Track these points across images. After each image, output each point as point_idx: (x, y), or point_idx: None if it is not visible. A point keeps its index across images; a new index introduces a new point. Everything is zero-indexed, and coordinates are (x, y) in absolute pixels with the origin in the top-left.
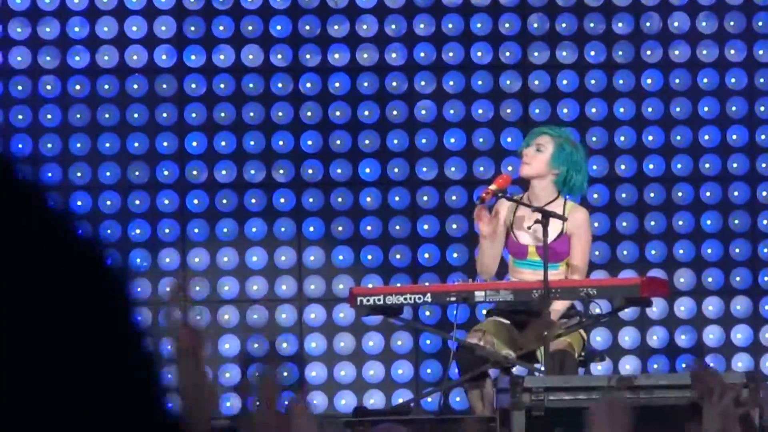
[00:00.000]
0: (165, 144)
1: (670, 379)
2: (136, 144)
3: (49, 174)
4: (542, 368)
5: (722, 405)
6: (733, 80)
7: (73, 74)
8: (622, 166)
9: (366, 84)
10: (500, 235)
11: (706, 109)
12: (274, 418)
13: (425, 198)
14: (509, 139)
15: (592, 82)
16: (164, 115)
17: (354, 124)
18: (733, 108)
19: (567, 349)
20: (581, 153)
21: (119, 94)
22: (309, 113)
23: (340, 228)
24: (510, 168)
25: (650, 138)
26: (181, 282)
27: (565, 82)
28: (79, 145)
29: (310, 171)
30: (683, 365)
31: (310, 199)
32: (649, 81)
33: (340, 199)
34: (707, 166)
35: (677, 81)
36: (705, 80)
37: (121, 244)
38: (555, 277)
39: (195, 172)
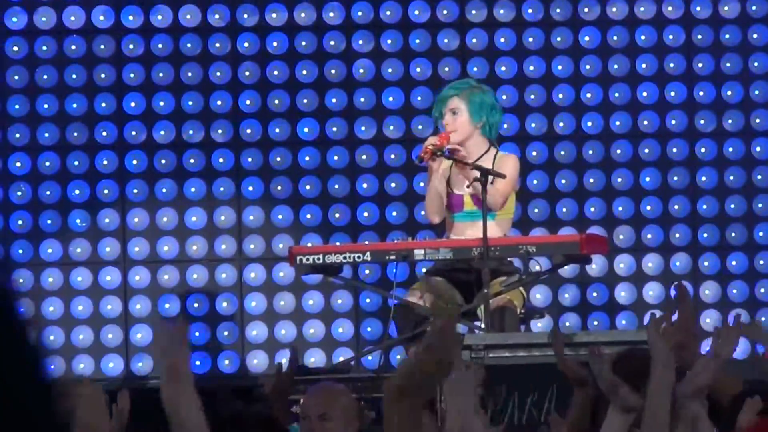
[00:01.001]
0: (103, 105)
1: (609, 336)
2: (75, 105)
3: None
4: (482, 326)
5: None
6: (671, 37)
7: (11, 35)
8: (561, 124)
9: (304, 43)
10: (444, 178)
11: (644, 66)
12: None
13: (364, 157)
14: None
15: (530, 39)
16: (102, 75)
17: (292, 83)
18: (671, 65)
19: (508, 305)
20: (488, 92)
21: (57, 55)
22: (247, 73)
23: (279, 187)
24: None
25: (588, 95)
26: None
27: (502, 39)
28: (17, 106)
29: (249, 131)
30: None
31: (249, 159)
32: (587, 38)
33: (278, 159)
34: (645, 123)
35: (615, 38)
36: (643, 37)
37: (60, 205)
38: (494, 227)
39: (134, 133)
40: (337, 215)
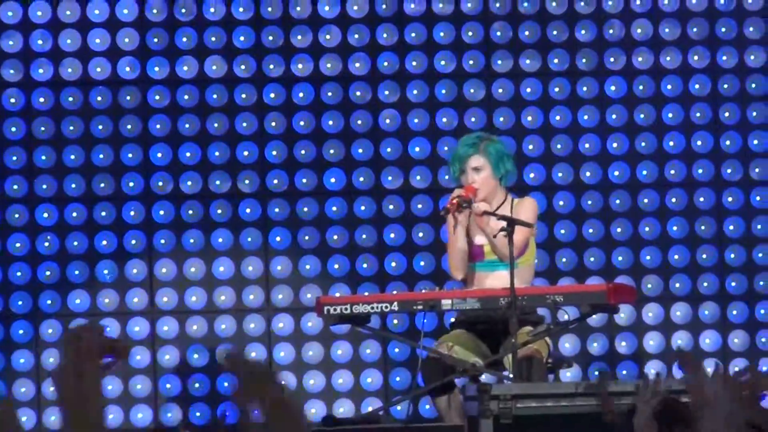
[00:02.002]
0: (130, 155)
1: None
2: (101, 155)
3: (15, 186)
4: (510, 375)
5: (725, 407)
6: (697, 86)
7: (37, 87)
8: (588, 174)
9: (330, 93)
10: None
11: (670, 115)
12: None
13: (391, 206)
14: None
15: (556, 89)
16: (128, 126)
17: (318, 133)
18: (698, 114)
19: (535, 355)
20: (499, 141)
21: (83, 106)
22: (273, 123)
23: (306, 237)
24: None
25: (615, 145)
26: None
27: (528, 90)
28: (44, 157)
29: (276, 181)
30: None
31: (276, 209)
32: (612, 88)
33: (306, 209)
34: (672, 172)
35: (641, 88)
36: (669, 86)
37: (88, 256)
38: (516, 274)
39: (160, 183)
40: (364, 265)
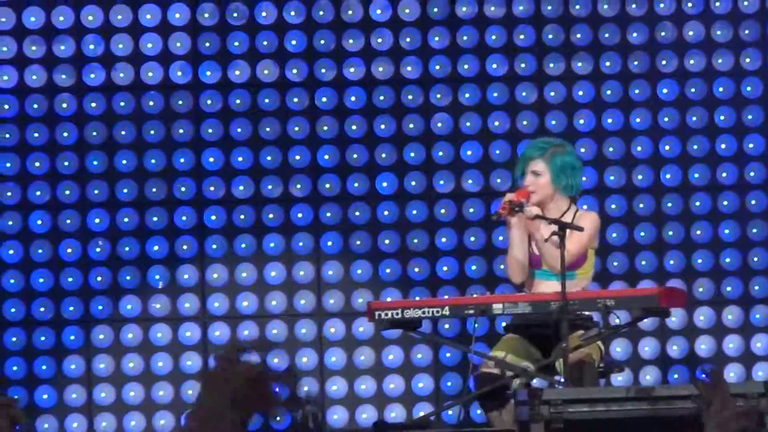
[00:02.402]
0: (182, 161)
1: (688, 390)
2: (153, 161)
3: (66, 192)
4: (561, 380)
5: (722, 416)
6: (749, 89)
7: (89, 91)
8: (640, 177)
9: (382, 98)
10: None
11: (722, 117)
12: None
13: (443, 211)
14: None
15: (608, 92)
16: (180, 131)
17: (370, 137)
18: (749, 117)
19: (586, 360)
20: (569, 152)
21: (135, 111)
22: (325, 127)
23: (358, 242)
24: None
25: (667, 147)
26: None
27: (581, 93)
28: (96, 162)
29: (327, 185)
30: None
31: (328, 214)
32: (665, 90)
33: (357, 213)
34: (724, 175)
35: (693, 90)
36: (721, 89)
37: (140, 261)
38: (572, 286)
39: (212, 188)
40: (416, 269)
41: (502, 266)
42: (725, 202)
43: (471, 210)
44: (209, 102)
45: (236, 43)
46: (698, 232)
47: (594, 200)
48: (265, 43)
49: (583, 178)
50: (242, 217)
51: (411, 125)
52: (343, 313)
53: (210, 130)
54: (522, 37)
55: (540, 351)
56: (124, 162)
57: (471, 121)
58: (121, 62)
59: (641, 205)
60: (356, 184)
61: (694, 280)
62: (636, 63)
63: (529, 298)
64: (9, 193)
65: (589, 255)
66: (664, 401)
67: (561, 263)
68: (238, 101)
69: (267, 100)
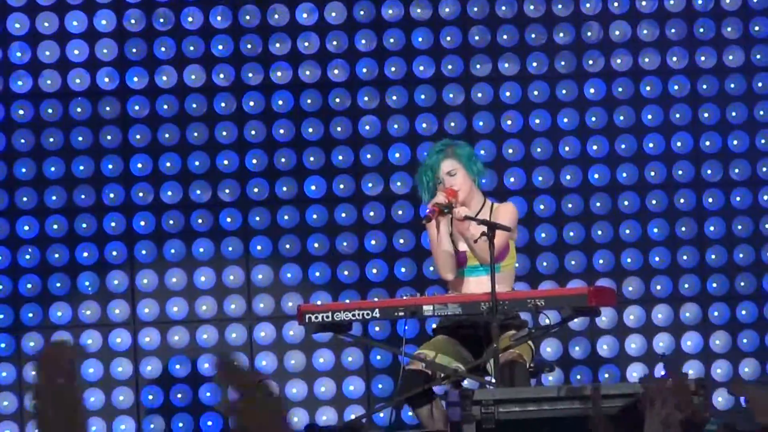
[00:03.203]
0: (110, 167)
1: (621, 389)
2: (81, 167)
3: None
4: (492, 380)
5: (664, 411)
6: (676, 87)
7: (16, 99)
8: (568, 177)
9: (309, 101)
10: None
11: (649, 116)
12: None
13: (372, 213)
14: None
15: (535, 93)
16: (108, 137)
17: (298, 141)
18: (677, 115)
19: (517, 360)
20: (466, 145)
21: (63, 117)
22: (253, 132)
23: (287, 246)
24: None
25: (595, 147)
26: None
27: (507, 93)
28: (24, 170)
29: (256, 190)
30: (606, 375)
31: (257, 218)
32: (592, 90)
33: (286, 217)
34: (653, 173)
35: (620, 90)
36: (648, 88)
37: (69, 268)
38: (500, 280)
39: (141, 194)
40: (346, 272)
41: (431, 268)
42: (653, 201)
43: (400, 212)
44: (137, 108)
45: (163, 49)
46: (627, 231)
47: (523, 200)
48: (191, 48)
49: (511, 179)
50: (171, 222)
51: (339, 128)
52: (273, 316)
53: (138, 136)
54: (449, 38)
55: (470, 352)
56: (53, 169)
57: (399, 124)
58: (48, 69)
59: (569, 205)
60: (284, 188)
61: (623, 279)
62: (563, 63)
63: (459, 299)
64: None
65: (510, 246)
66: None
67: (491, 264)
68: (165, 107)
69: (194, 105)
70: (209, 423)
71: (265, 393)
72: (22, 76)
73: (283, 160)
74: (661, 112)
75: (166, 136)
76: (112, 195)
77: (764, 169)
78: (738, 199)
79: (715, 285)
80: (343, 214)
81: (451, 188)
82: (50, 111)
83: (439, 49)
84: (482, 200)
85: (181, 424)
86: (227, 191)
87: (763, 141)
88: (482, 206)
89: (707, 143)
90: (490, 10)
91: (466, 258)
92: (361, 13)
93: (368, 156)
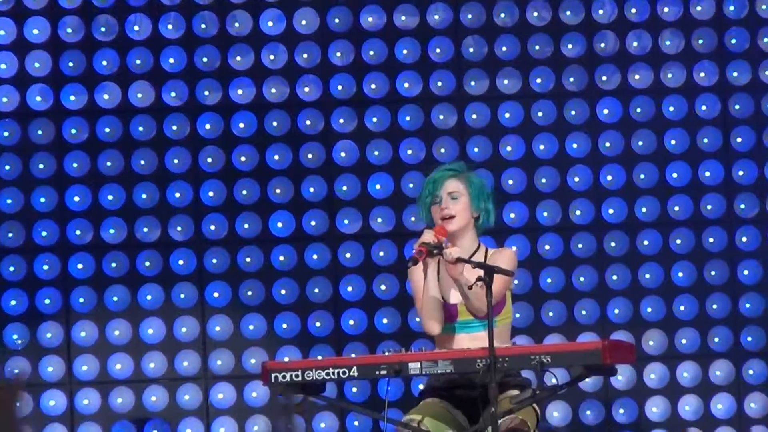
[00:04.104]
0: (42, 200)
1: None
2: (9, 200)
3: None
4: None
5: None
6: (704, 107)
7: None
8: (577, 212)
9: (275, 123)
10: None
11: (673, 142)
12: None
13: (348, 255)
14: None
15: (539, 113)
16: (41, 166)
17: (262, 169)
18: (705, 140)
19: (520, 427)
20: (481, 177)
21: None
22: (209, 159)
23: (249, 292)
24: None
25: (609, 177)
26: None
27: (507, 115)
28: None
29: (212, 227)
30: None
31: (213, 260)
32: (606, 111)
33: (248, 259)
34: (676, 208)
35: (638, 110)
36: (671, 108)
37: None
38: (495, 336)
39: (78, 232)
40: (317, 324)
41: (417, 319)
42: (678, 240)
43: (381, 253)
44: (73, 131)
45: (104, 63)
46: (647, 276)
47: (524, 239)
48: (138, 62)
49: (512, 215)
50: (113, 265)
51: (309, 155)
52: (232, 375)
53: (75, 164)
54: (438, 50)
55: (465, 416)
56: None
57: (380, 150)
58: None
59: (579, 245)
60: (246, 225)
61: (643, 332)
62: (571, 79)
63: (451, 355)
64: None
65: (507, 298)
66: None
67: (488, 314)
68: (107, 129)
69: (141, 128)
70: None
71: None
72: None
73: (244, 192)
74: (687, 136)
75: (108, 164)
76: (44, 233)
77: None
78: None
79: (750, 339)
80: (315, 256)
81: (441, 226)
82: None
83: (427, 62)
84: (477, 244)
85: None
86: (179, 229)
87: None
88: (476, 250)
89: (740, 173)
90: (487, 17)
91: (456, 311)
92: (336, 21)
93: (344, 188)
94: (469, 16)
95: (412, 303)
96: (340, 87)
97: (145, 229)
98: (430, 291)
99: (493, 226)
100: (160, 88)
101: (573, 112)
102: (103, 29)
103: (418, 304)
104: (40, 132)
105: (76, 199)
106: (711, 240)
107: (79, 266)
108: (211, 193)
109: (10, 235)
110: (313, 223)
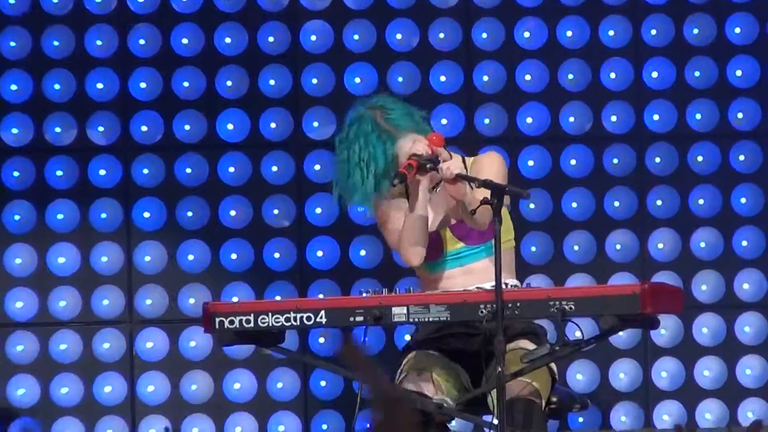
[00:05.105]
0: None
1: None
2: None
3: None
4: (495, 422)
5: None
6: None
7: None
8: (613, 118)
9: None
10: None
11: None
12: None
13: (317, 166)
14: None
15: None
16: None
17: (210, 56)
18: None
19: (531, 398)
20: (392, 100)
21: None
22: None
23: (189, 213)
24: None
25: (654, 75)
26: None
27: None
28: None
29: (144, 128)
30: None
31: (144, 170)
32: None
33: (188, 170)
34: (740, 116)
35: None
36: None
37: None
38: (487, 264)
39: None
40: (276, 254)
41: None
42: (741, 157)
43: None
44: None
45: None
46: (700, 202)
47: (543, 150)
48: None
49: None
50: (16, 174)
51: (270, 39)
52: (164, 319)
53: None
54: None
55: (467, 376)
56: None
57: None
58: None
59: (615, 161)
60: (187, 126)
61: (694, 274)
62: None
63: (447, 299)
64: None
65: (504, 215)
66: None
67: (496, 247)
68: None
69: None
70: None
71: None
72: None
73: (186, 84)
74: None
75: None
76: None
77: None
78: None
79: None
80: (274, 168)
81: (438, 135)
82: None
83: None
84: (449, 154)
85: None
86: (101, 129)
87: None
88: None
89: None
90: None
91: (441, 241)
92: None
93: (313, 80)
94: None
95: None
96: None
97: (58, 129)
98: (417, 210)
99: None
100: None
101: None
102: None
103: (394, 237)
104: None
105: None
106: None
107: None
108: (143, 84)
109: None
110: (273, 125)
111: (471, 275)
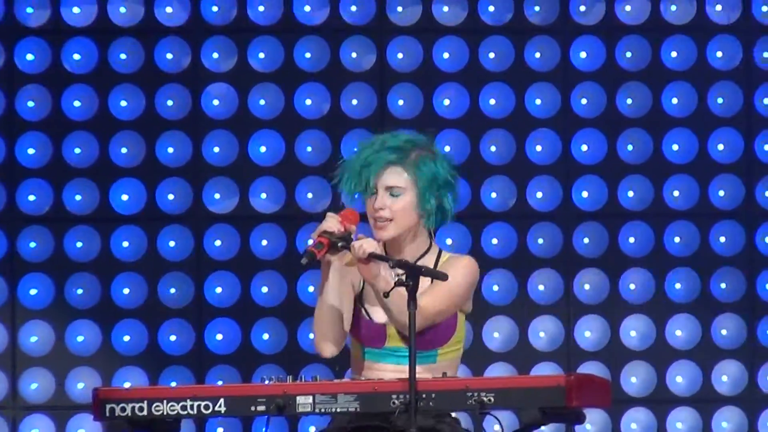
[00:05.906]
0: None
1: None
2: None
3: None
4: None
5: None
6: None
7: None
8: (539, 194)
9: None
10: (347, 292)
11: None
12: None
13: (217, 242)
14: None
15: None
16: None
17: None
18: None
19: None
20: (441, 157)
21: None
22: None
23: (79, 290)
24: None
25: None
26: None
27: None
28: None
29: (32, 197)
30: None
31: (31, 243)
32: None
33: (79, 243)
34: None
35: None
36: None
37: None
38: (436, 370)
39: None
40: (172, 337)
41: (311, 335)
42: (677, 239)
43: (263, 242)
44: None
45: None
46: (631, 287)
47: (466, 229)
48: None
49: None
50: None
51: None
52: (51, 405)
53: None
54: None
55: None
56: None
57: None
58: None
59: (540, 240)
60: (78, 197)
61: (623, 364)
62: None
63: (356, 388)
64: None
65: (459, 323)
66: None
67: (410, 331)
68: None
69: None
70: None
71: None
72: None
73: (77, 150)
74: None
75: None
76: None
77: None
78: None
79: None
80: (171, 243)
81: (351, 210)
82: None
83: None
84: (428, 244)
85: None
86: None
87: None
88: (425, 253)
89: None
90: None
91: (384, 334)
92: None
93: (215, 149)
94: None
95: (303, 311)
96: None
97: None
98: (328, 299)
99: (450, 218)
100: None
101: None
102: None
103: (317, 310)
104: None
105: None
106: (722, 239)
107: None
108: (31, 150)
109: None
110: (171, 196)
111: (405, 375)
